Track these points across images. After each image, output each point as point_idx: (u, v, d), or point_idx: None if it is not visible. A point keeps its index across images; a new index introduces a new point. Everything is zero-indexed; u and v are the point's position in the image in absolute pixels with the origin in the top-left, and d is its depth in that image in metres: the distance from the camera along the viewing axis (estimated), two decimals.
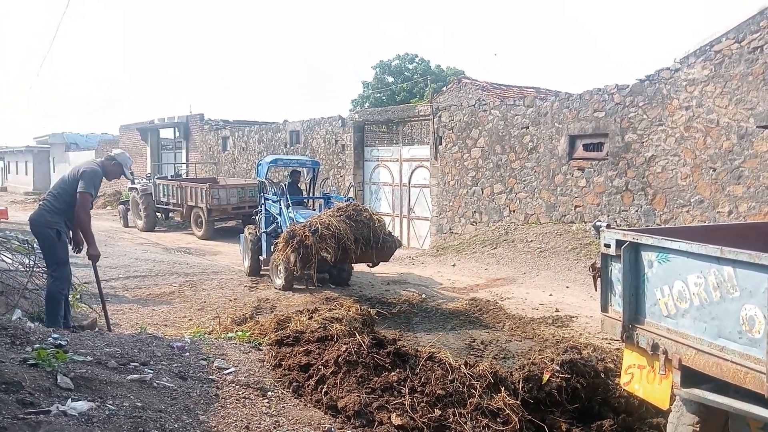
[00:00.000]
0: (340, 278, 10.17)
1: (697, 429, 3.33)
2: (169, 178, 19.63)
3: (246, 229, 11.18)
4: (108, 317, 6.42)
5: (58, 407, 2.97)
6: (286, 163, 12.22)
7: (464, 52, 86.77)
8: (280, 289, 9.51)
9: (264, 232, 10.51)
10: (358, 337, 4.66)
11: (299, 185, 12.33)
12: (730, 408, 3.02)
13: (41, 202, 6.05)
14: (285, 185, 11.00)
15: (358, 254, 8.40)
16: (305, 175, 12.63)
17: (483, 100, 14.84)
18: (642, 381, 3.62)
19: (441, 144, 14.90)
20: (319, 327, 5.25)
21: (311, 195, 11.88)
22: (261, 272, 10.73)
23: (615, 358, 5.04)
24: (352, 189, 14.30)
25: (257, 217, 11.42)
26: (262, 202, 10.94)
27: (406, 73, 34.81)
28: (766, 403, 2.75)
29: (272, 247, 9.19)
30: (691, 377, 3.20)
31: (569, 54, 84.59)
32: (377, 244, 8.49)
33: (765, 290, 2.65)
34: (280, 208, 9.87)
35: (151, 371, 3.94)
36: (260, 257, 10.65)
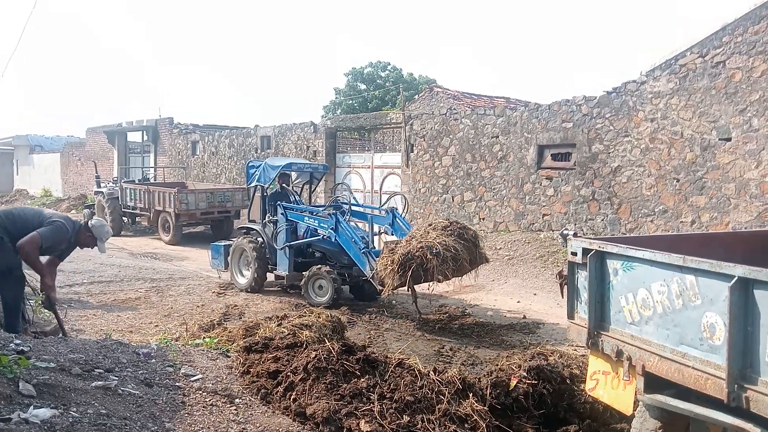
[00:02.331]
0: (366, 293, 9.53)
1: None
2: (137, 182, 19.35)
3: (243, 239, 10.17)
4: (63, 325, 6.18)
5: (19, 415, 2.90)
6: (300, 168, 10.93)
7: (437, 60, 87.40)
8: (321, 306, 8.52)
9: (288, 245, 9.54)
10: (328, 343, 4.65)
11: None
12: (692, 413, 3.08)
13: None
14: (297, 191, 10.56)
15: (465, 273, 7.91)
16: (293, 179, 11.25)
17: (454, 109, 14.99)
18: (606, 387, 3.68)
19: (412, 152, 14.98)
20: (289, 334, 5.23)
21: (310, 202, 11.18)
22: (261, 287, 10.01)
23: (580, 364, 5.12)
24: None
25: (263, 228, 10.08)
26: (282, 211, 9.70)
27: (378, 81, 34.93)
28: (726, 409, 2.82)
29: (374, 264, 8.16)
30: (654, 383, 3.26)
31: (540, 64, 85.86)
32: (479, 262, 8.05)
33: (726, 298, 2.73)
34: (337, 222, 8.82)
35: (116, 378, 3.88)
36: (273, 272, 9.88)
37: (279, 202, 9.93)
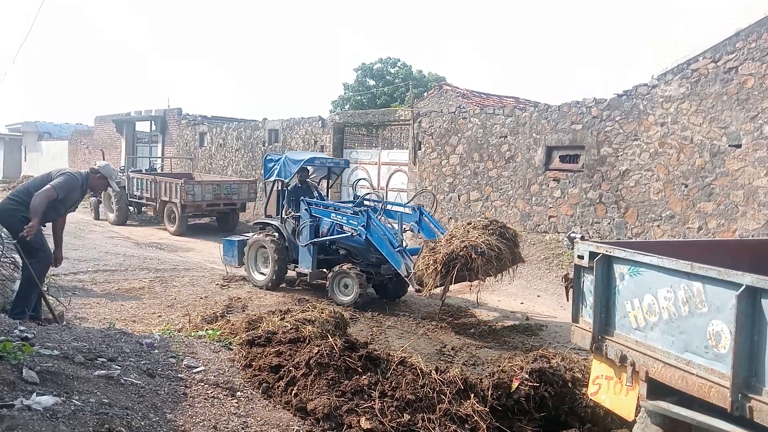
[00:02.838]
0: (391, 291, 9.44)
1: None
2: (144, 171, 19.38)
3: (261, 235, 9.87)
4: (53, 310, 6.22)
5: (22, 401, 2.91)
6: (322, 163, 10.54)
7: (446, 58, 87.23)
8: (346, 306, 8.55)
9: (312, 242, 9.25)
10: (331, 339, 4.66)
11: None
12: (694, 421, 3.07)
13: (9, 195, 5.96)
14: (317, 187, 10.30)
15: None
16: (309, 174, 10.73)
17: (463, 107, 14.95)
18: (609, 392, 3.67)
19: (420, 149, 14.96)
20: (292, 328, 5.23)
21: (327, 197, 10.76)
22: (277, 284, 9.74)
23: (583, 368, 5.10)
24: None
25: (282, 223, 9.79)
26: (306, 207, 9.37)
27: (387, 77, 34.85)
28: (729, 418, 2.80)
29: (409, 263, 8.01)
30: (657, 390, 3.25)
31: (542, 58, 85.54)
32: (518, 261, 8.00)
33: (732, 306, 2.71)
34: (369, 219, 8.55)
35: (119, 367, 3.89)
36: (295, 269, 9.64)
37: (303, 198, 9.61)
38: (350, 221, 8.95)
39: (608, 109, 11.21)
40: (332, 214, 9.25)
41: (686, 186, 10.08)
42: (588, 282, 3.70)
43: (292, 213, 9.71)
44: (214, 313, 7.44)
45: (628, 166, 10.91)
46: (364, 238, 8.74)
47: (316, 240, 9.28)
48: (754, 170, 9.25)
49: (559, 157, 12.23)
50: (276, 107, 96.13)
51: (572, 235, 4.01)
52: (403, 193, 15.64)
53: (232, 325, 6.10)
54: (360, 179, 14.17)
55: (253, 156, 20.45)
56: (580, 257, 3.74)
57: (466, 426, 4.04)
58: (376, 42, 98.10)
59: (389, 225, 8.84)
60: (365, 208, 8.76)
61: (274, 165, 9.97)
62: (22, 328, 4.25)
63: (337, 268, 8.96)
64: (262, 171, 10.49)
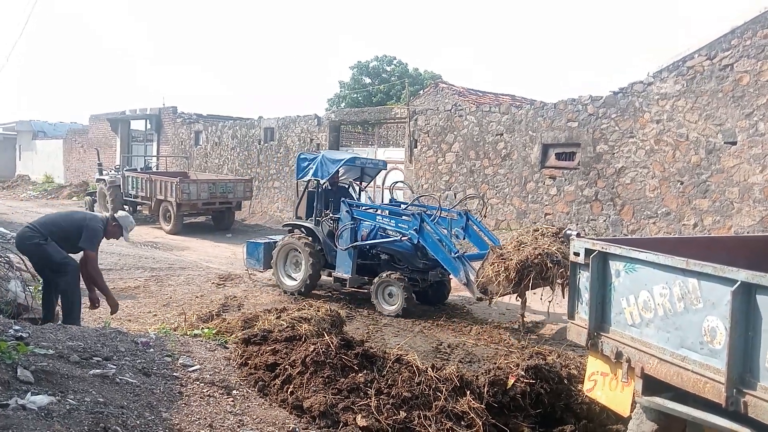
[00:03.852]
0: (431, 297, 9.09)
1: None
2: (139, 170, 19.34)
3: (293, 237, 9.36)
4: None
5: (17, 401, 2.90)
6: (363, 163, 9.99)
7: (442, 56, 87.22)
8: (392, 315, 8.27)
9: (353, 246, 8.78)
10: (327, 337, 4.65)
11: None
12: (689, 417, 3.08)
13: (29, 224, 6.18)
14: (354, 189, 10.00)
15: None
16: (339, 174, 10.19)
17: (459, 105, 14.95)
18: (604, 388, 3.68)
19: (416, 147, 14.96)
20: (288, 326, 5.22)
21: (359, 199, 10.27)
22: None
23: (579, 364, 5.12)
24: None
25: (317, 226, 9.33)
26: (346, 209, 8.90)
27: (383, 75, 34.83)
28: (723, 413, 2.81)
29: (468, 270, 7.65)
30: (653, 385, 3.25)
31: (540, 62, 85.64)
32: None
33: (727, 303, 2.72)
34: (422, 223, 8.10)
35: (114, 366, 3.88)
36: (332, 274, 9.15)
37: (344, 199, 9.17)
38: (400, 225, 8.50)
39: (604, 107, 11.22)
40: (378, 217, 8.82)
41: (682, 183, 10.10)
42: (584, 279, 3.71)
43: (330, 215, 9.22)
44: (209, 311, 7.43)
45: (624, 164, 10.93)
46: (415, 242, 8.30)
47: (357, 243, 8.84)
48: (749, 167, 9.27)
49: (555, 154, 12.25)
50: (272, 105, 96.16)
51: (568, 232, 4.02)
52: (399, 191, 15.63)
53: (228, 323, 6.08)
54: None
55: (249, 154, 20.42)
56: (576, 254, 3.74)
57: (462, 423, 4.04)
58: (373, 40, 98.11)
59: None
60: (418, 211, 8.36)
61: (309, 164, 9.47)
62: (17, 327, 4.24)
63: (384, 275, 8.48)
64: (295, 170, 10.00)
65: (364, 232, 8.97)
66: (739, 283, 2.69)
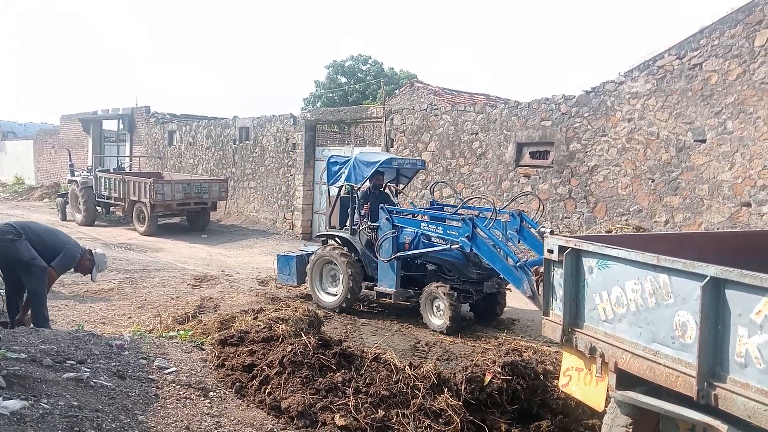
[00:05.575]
0: (483, 310, 8.44)
1: (630, 430, 3.45)
2: (112, 171, 19.08)
3: (329, 249, 8.67)
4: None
5: None
6: (400, 164, 9.25)
7: (417, 55, 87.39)
8: (440, 331, 7.62)
9: (395, 256, 8.08)
10: (304, 337, 4.65)
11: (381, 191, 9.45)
12: (662, 410, 3.13)
13: (8, 222, 6.03)
14: (395, 194, 9.29)
15: None
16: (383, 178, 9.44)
17: (435, 104, 15.01)
18: (579, 383, 3.73)
19: (392, 146, 14.97)
20: (265, 327, 5.20)
21: (397, 202, 9.50)
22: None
23: (554, 360, 5.19)
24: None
25: (354, 236, 8.69)
26: (387, 216, 8.23)
27: (359, 74, 34.81)
28: (695, 406, 2.87)
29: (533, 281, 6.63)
30: (626, 380, 3.31)
31: (541, 63, 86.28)
32: None
33: (698, 297, 2.77)
34: (474, 230, 7.19)
35: (89, 370, 3.83)
36: (374, 288, 8.45)
37: (382, 205, 8.45)
38: (448, 232, 7.66)
39: (577, 106, 11.35)
40: (421, 224, 8.08)
41: (653, 180, 10.27)
42: (558, 276, 3.75)
43: (369, 223, 8.58)
44: (185, 313, 7.37)
45: (597, 162, 11.07)
46: (468, 250, 7.45)
47: (401, 254, 8.11)
48: (718, 164, 9.46)
49: (530, 153, 12.36)
50: (247, 105, 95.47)
51: (542, 230, 4.06)
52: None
53: (204, 325, 6.05)
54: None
55: (224, 154, 20.26)
56: (550, 251, 3.78)
57: (440, 420, 4.07)
58: (349, 38, 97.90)
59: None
60: (468, 216, 7.49)
61: (341, 168, 8.82)
62: None
63: (433, 285, 7.84)
64: (326, 175, 9.30)
65: (407, 240, 8.20)
66: (708, 278, 2.74)
